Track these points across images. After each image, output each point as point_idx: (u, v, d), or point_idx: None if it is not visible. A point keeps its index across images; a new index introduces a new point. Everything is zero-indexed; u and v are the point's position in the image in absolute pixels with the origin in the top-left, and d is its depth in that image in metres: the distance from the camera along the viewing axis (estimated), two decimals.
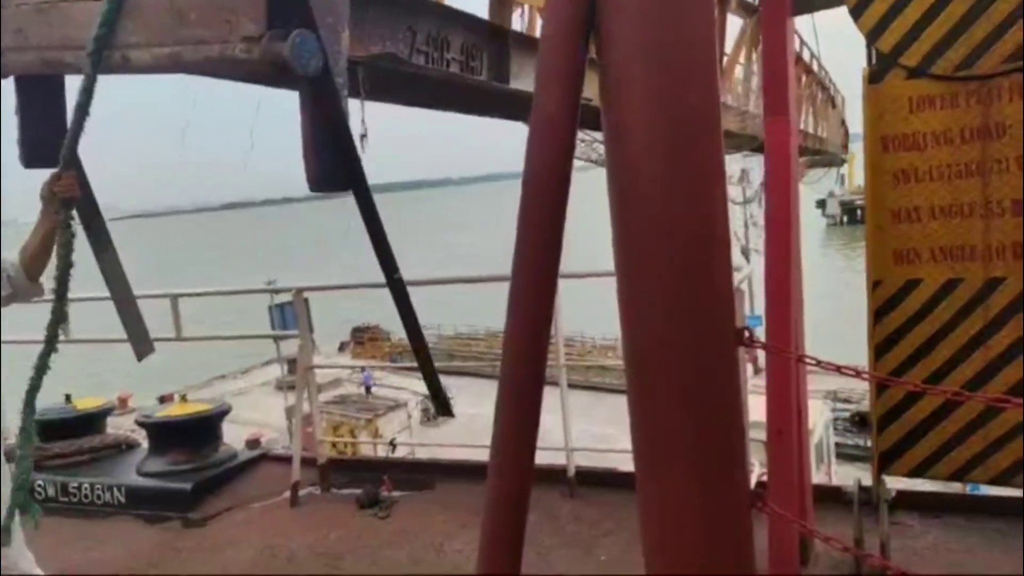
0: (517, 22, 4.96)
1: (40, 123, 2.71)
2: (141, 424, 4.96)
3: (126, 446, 5.12)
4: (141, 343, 3.33)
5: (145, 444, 5.03)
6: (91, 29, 2.20)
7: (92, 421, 5.13)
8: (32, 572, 2.47)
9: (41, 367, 2.33)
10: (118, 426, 5.65)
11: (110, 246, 3.00)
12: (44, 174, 2.41)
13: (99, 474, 4.71)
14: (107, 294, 3.19)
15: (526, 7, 4.96)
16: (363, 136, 2.65)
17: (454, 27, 3.20)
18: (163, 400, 14.23)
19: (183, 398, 5.25)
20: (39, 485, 4.64)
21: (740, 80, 9.26)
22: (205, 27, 2.01)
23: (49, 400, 5.21)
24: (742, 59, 9.13)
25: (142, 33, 2.19)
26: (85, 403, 5.22)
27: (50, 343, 2.33)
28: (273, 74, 2.05)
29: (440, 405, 3.48)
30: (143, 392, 17.81)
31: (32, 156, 2.73)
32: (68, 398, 5.16)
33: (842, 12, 2.72)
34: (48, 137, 2.60)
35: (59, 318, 2.33)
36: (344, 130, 2.24)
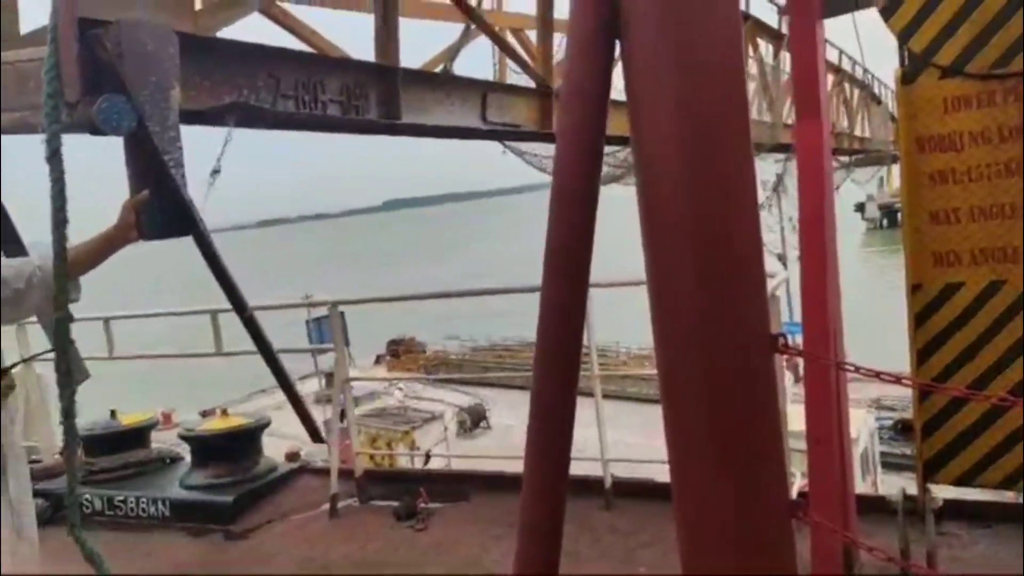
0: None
1: None
2: (184, 438, 5.07)
3: (170, 460, 5.23)
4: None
5: (188, 458, 5.13)
6: None
7: (137, 435, 5.25)
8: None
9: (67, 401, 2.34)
10: (162, 440, 5.77)
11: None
12: None
13: (144, 487, 4.81)
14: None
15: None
16: (214, 172, 2.83)
17: (328, 72, 3.34)
18: (205, 414, 14.48)
19: (224, 412, 5.34)
20: (86, 499, 4.76)
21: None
22: (39, 94, 2.18)
23: (95, 415, 5.35)
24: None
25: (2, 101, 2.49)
26: (130, 418, 5.35)
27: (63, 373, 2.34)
28: (92, 133, 2.25)
29: (311, 431, 3.79)
30: (185, 406, 18.14)
31: None
32: (113, 413, 5.29)
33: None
34: None
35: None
36: (168, 180, 2.45)
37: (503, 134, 5.09)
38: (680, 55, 1.35)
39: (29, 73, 2.46)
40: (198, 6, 3.00)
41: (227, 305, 5.40)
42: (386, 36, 3.78)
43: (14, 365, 2.29)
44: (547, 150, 9.81)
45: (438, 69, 5.19)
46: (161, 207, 2.46)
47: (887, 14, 2.64)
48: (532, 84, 4.94)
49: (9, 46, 2.98)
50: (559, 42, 6.70)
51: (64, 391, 2.27)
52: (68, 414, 2.27)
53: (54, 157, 2.08)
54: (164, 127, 2.44)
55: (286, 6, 3.98)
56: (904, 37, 2.63)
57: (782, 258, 16.18)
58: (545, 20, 5.17)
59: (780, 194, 16.50)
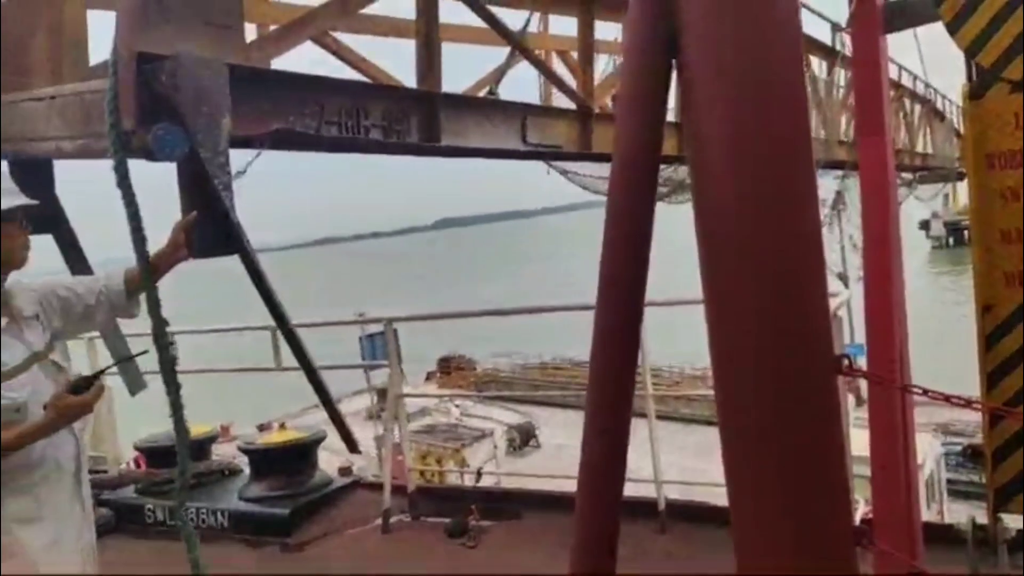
0: None
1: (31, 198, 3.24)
2: (243, 451, 5.19)
3: (229, 472, 5.35)
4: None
5: (247, 470, 5.25)
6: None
7: (198, 448, 5.39)
8: None
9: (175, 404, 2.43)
10: (220, 453, 5.92)
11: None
12: None
13: (204, 499, 4.93)
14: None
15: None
16: (239, 173, 2.98)
17: (371, 98, 3.51)
18: (262, 428, 14.80)
19: (282, 426, 5.46)
20: (148, 509, 4.91)
21: None
22: (102, 123, 2.40)
23: (158, 428, 5.52)
24: None
25: (66, 129, 2.78)
26: (192, 430, 5.49)
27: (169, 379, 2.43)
28: (148, 159, 2.42)
29: (348, 442, 3.84)
30: (241, 420, 18.58)
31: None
32: None
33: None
34: (37, 211, 3.11)
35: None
36: (217, 202, 2.59)
37: (544, 155, 5.22)
38: (739, 74, 1.34)
39: (92, 104, 2.67)
40: (250, 38, 3.20)
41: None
42: (427, 63, 3.92)
43: (102, 371, 2.37)
44: (590, 169, 9.98)
45: (485, 90, 5.35)
46: (211, 227, 2.63)
47: (953, 28, 2.57)
48: (573, 105, 5.01)
49: (77, 77, 3.23)
50: (604, 64, 6.73)
51: (170, 388, 2.42)
52: (176, 407, 2.40)
53: (123, 182, 2.20)
54: (215, 153, 2.57)
55: (337, 35, 4.19)
56: (972, 52, 2.56)
57: (843, 277, 15.77)
58: (586, 43, 5.25)
59: (840, 212, 16.11)
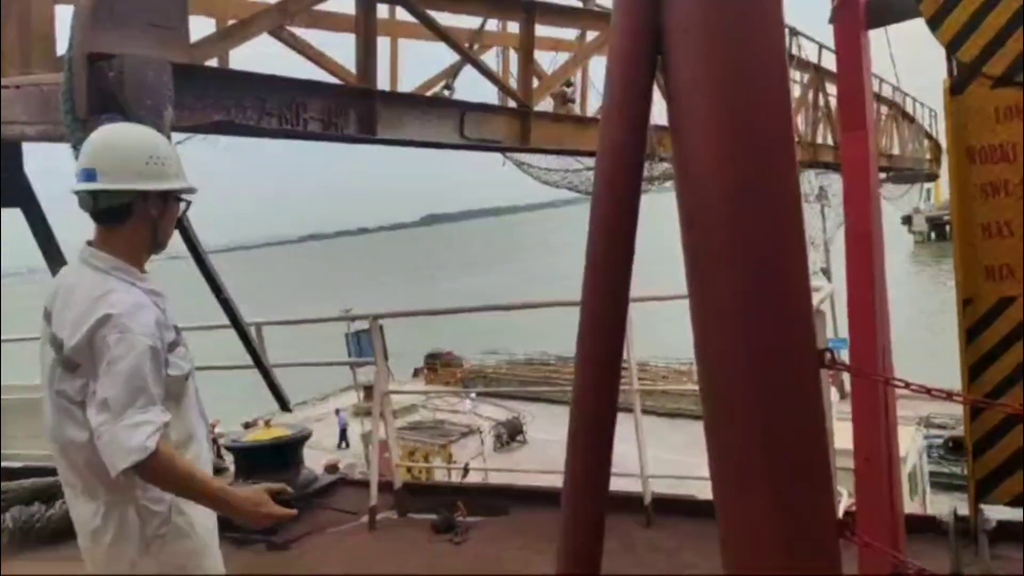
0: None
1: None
2: (229, 448, 5.15)
3: (215, 470, 5.31)
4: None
5: (233, 468, 5.21)
6: None
7: None
8: None
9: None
10: None
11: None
12: None
13: None
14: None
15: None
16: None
17: (310, 94, 3.82)
18: (248, 426, 14.71)
19: (267, 424, 5.43)
20: None
21: None
22: (59, 112, 2.87)
23: None
24: None
25: (27, 115, 3.18)
26: None
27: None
28: None
29: (279, 399, 4.41)
30: (226, 418, 18.47)
31: None
32: None
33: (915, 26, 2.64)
34: (8, 188, 3.83)
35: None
36: None
37: (483, 147, 5.58)
38: (724, 70, 1.34)
39: (50, 94, 3.06)
40: (193, 40, 3.49)
41: (271, 318, 5.51)
42: (366, 61, 4.23)
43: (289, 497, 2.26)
44: (546, 162, 10.25)
45: (440, 85, 5.71)
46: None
47: (934, 24, 2.59)
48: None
49: (46, 67, 3.56)
50: (550, 61, 7.01)
51: None
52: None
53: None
54: None
55: (294, 30, 4.49)
56: (953, 47, 2.58)
57: (827, 272, 15.89)
58: (526, 46, 5.53)
59: (823, 207, 16.24)
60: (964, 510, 3.03)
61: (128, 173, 2.02)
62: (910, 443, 10.72)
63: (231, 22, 4.48)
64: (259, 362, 4.15)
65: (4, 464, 5.47)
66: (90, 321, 1.92)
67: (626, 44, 1.50)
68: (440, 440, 18.42)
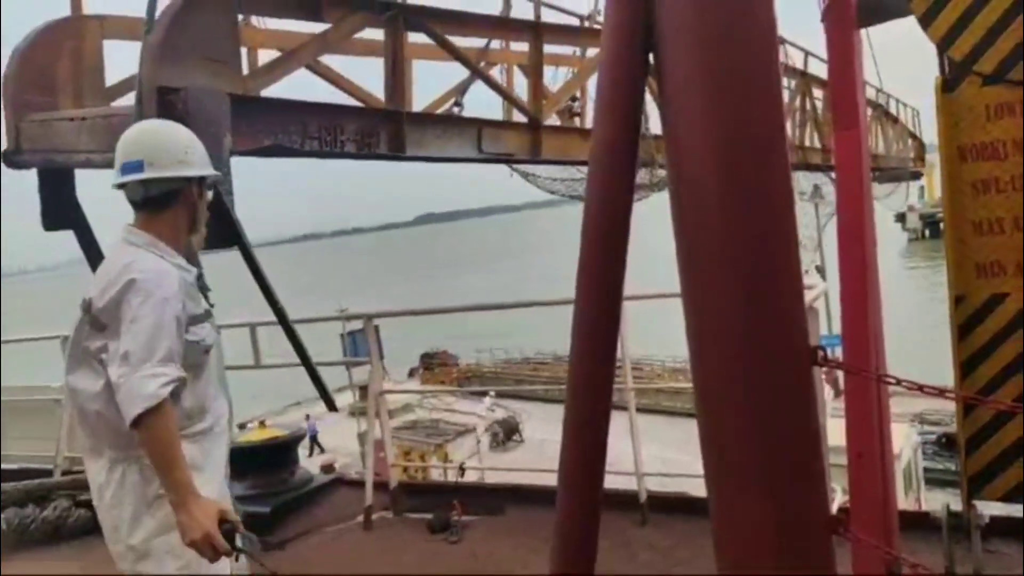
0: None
1: (54, 200, 4.12)
2: None
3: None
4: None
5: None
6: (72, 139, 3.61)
7: None
8: None
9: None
10: None
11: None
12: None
13: None
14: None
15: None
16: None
17: (347, 118, 4.17)
18: (242, 426, 14.66)
19: (262, 424, 5.42)
20: None
21: None
22: None
23: None
24: None
25: (95, 144, 3.51)
26: None
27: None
28: None
29: (327, 402, 4.62)
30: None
31: (49, 223, 4.17)
32: None
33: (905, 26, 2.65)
34: (60, 210, 4.13)
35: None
36: (221, 203, 3.20)
37: (498, 160, 5.98)
38: (715, 68, 1.34)
39: (118, 124, 3.27)
40: (245, 72, 3.89)
41: (264, 318, 5.49)
42: (394, 84, 4.54)
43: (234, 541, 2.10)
44: (549, 172, 10.55)
45: (451, 102, 6.00)
46: (216, 224, 3.07)
47: (926, 22, 2.60)
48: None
49: (96, 97, 4.05)
50: (552, 75, 7.26)
51: None
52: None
53: None
54: (219, 164, 3.11)
55: (326, 60, 4.91)
56: (944, 45, 2.59)
57: (821, 270, 15.94)
58: (535, 65, 5.79)
59: (817, 206, 16.29)
60: (957, 506, 3.04)
61: (174, 162, 2.22)
62: (904, 440, 10.76)
63: (264, 50, 5.02)
64: (307, 362, 4.35)
65: (3, 465, 5.46)
66: (118, 285, 2.10)
67: (617, 43, 1.50)
68: (436, 439, 18.41)
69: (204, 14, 3.36)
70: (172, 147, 2.24)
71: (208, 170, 2.33)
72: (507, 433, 20.44)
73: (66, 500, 4.86)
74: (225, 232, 3.27)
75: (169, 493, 2.02)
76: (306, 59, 4.22)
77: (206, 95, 3.31)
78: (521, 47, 6.61)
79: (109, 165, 3.23)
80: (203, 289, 2.36)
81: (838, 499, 3.73)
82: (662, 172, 7.70)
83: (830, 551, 1.43)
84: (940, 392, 1.63)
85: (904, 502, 9.28)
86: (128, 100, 3.85)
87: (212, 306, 2.38)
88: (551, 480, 1.76)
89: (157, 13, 3.31)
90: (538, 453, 15.57)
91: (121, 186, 2.25)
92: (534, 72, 5.80)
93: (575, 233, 1.61)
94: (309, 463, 18.92)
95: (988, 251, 2.66)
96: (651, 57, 1.47)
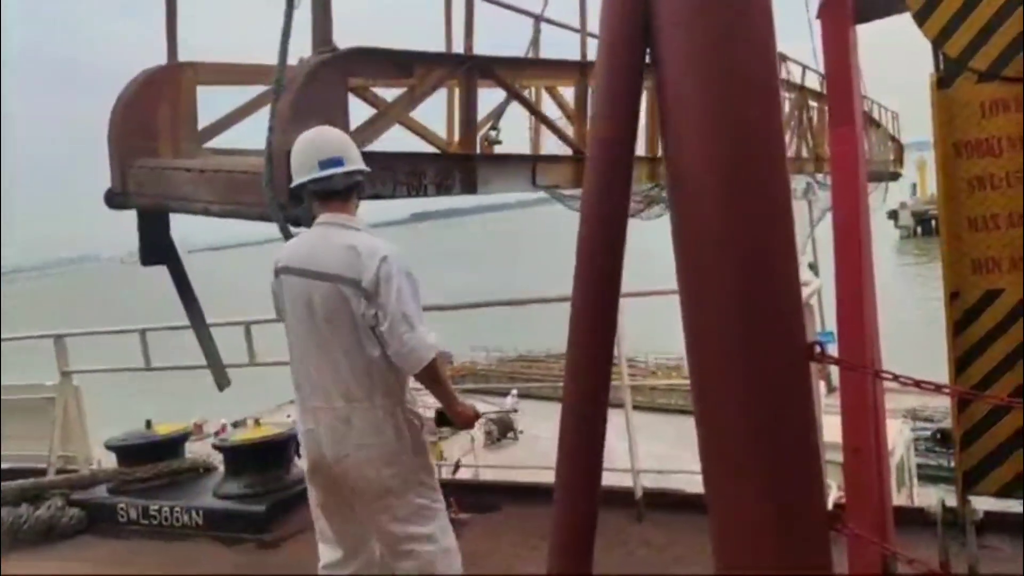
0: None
1: (152, 238, 4.57)
2: (217, 448, 5.12)
3: (204, 469, 5.29)
4: (221, 376, 4.91)
5: (221, 468, 5.19)
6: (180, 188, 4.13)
7: (171, 446, 5.32)
8: None
9: None
10: (194, 451, 5.84)
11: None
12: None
13: (178, 497, 4.87)
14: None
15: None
16: None
17: (428, 163, 4.57)
18: (237, 425, 14.63)
19: (256, 422, 5.40)
20: (121, 508, 4.84)
21: None
22: (254, 194, 3.66)
23: (131, 426, 5.44)
24: None
25: (214, 195, 3.99)
26: (165, 428, 5.42)
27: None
28: (295, 225, 3.40)
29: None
30: (216, 417, 18.37)
31: (146, 258, 4.59)
32: (148, 424, 5.37)
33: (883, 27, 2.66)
34: (156, 247, 4.59)
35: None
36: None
37: (547, 189, 6.43)
38: (712, 64, 1.34)
39: (239, 180, 3.87)
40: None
41: (258, 317, 5.49)
42: (467, 130, 4.98)
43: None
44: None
45: (488, 126, 6.29)
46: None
47: (921, 18, 2.60)
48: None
49: (191, 141, 4.49)
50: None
51: None
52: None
53: (284, 230, 3.39)
54: None
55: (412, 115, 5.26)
56: (939, 41, 2.59)
57: (814, 267, 15.98)
58: (581, 102, 6.11)
59: (811, 203, 16.34)
60: (952, 501, 3.05)
61: (357, 158, 2.82)
62: (898, 436, 10.81)
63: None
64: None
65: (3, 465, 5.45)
66: (376, 261, 2.61)
67: (614, 40, 1.50)
68: (430, 437, 18.38)
69: (323, 82, 3.77)
70: (353, 146, 2.84)
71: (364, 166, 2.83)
72: (502, 431, 20.43)
73: (60, 499, 4.85)
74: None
75: (453, 404, 2.91)
76: (399, 115, 4.58)
77: None
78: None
79: (228, 215, 3.96)
80: None
81: (833, 495, 3.74)
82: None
83: (827, 546, 1.44)
84: (936, 387, 1.63)
85: (897, 498, 9.32)
86: (217, 142, 4.67)
87: None
88: (547, 477, 1.76)
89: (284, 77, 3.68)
90: (533, 450, 15.58)
91: (309, 182, 2.74)
92: (579, 110, 6.13)
93: (569, 230, 1.60)
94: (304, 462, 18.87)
95: (983, 247, 2.67)
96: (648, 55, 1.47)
